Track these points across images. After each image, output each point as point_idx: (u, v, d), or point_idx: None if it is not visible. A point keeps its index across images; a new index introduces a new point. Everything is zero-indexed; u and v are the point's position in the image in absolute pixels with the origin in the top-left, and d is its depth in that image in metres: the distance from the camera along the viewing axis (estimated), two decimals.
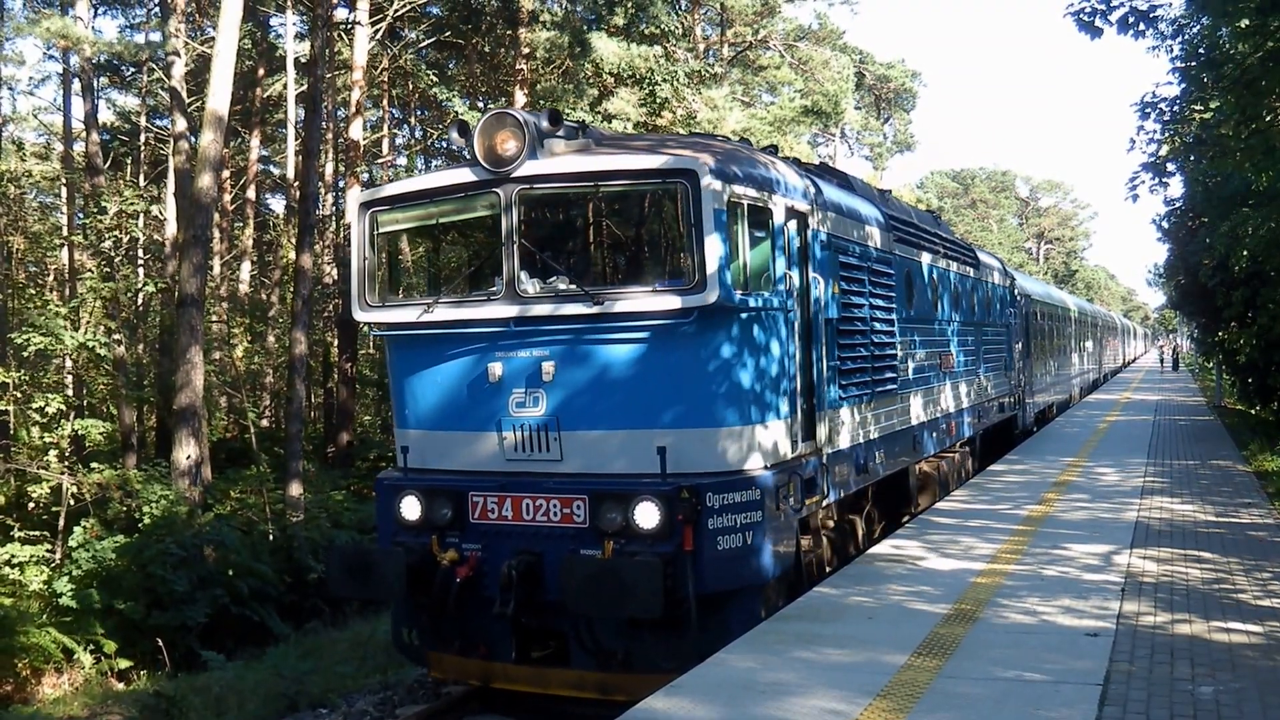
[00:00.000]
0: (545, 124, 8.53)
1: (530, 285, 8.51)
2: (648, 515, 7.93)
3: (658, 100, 24.92)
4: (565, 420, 8.37)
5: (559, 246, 9.36)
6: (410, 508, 8.83)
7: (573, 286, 8.40)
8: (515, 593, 8.11)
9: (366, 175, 29.73)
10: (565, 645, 8.55)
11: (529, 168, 8.42)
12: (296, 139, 32.18)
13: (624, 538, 8.01)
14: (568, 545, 8.21)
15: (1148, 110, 16.02)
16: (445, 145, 33.13)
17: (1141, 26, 13.49)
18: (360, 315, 9.41)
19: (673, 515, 7.88)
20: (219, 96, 19.19)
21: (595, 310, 8.21)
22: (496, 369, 8.53)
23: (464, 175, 8.74)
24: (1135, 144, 16.49)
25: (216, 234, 31.40)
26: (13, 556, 17.25)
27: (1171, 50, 17.26)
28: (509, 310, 8.48)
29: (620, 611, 7.78)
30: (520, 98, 27.34)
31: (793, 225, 9.32)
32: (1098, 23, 13.41)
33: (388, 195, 9.39)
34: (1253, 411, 32.30)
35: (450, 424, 8.90)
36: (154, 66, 26.28)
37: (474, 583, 8.44)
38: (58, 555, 18.19)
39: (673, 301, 8.09)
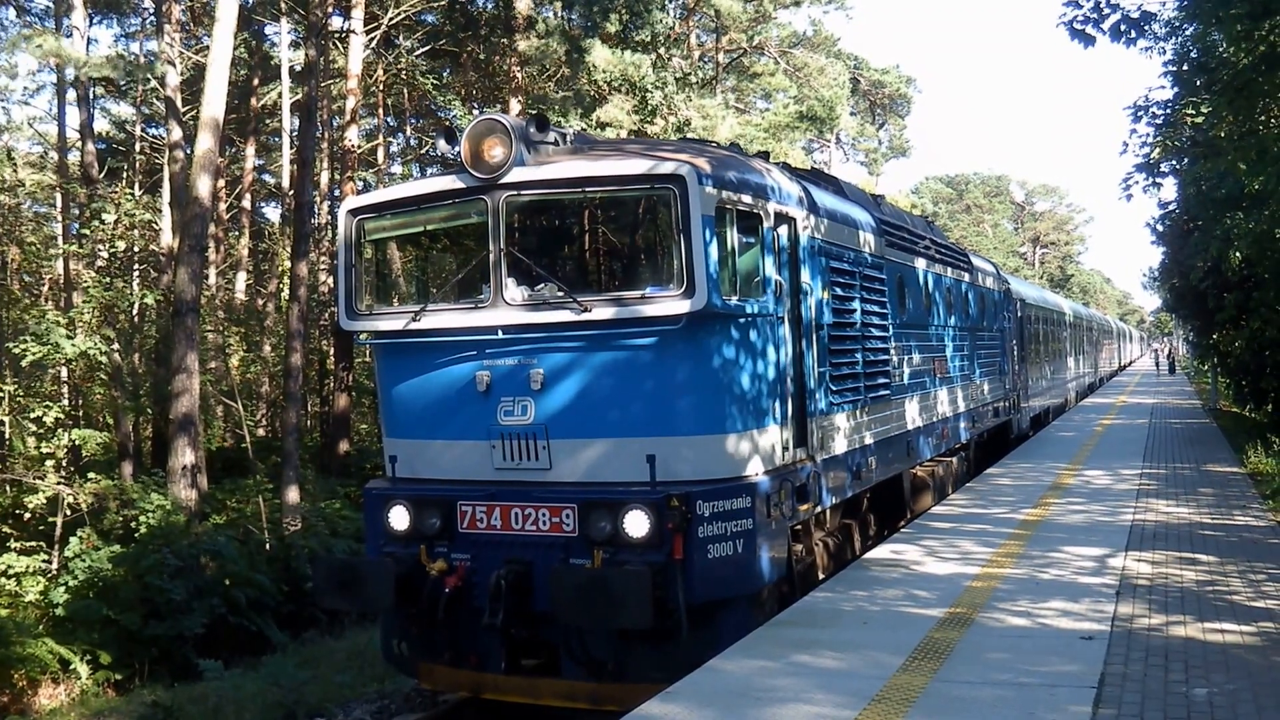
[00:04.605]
0: (533, 129, 8.50)
1: (518, 292, 8.45)
2: (637, 524, 7.85)
3: (649, 107, 24.93)
4: (554, 428, 8.31)
5: (547, 253, 9.30)
6: (399, 518, 8.77)
7: (561, 293, 8.34)
8: (504, 603, 8.05)
9: (362, 183, 29.73)
10: (556, 655, 8.47)
11: (516, 174, 8.36)
12: (292, 147, 32.24)
13: (613, 547, 7.93)
14: (557, 555, 8.15)
15: (1140, 114, 16.09)
16: (440, 153, 33.13)
17: (1133, 34, 13.54)
18: (348, 324, 9.37)
19: (662, 524, 7.80)
20: (214, 103, 19.24)
21: (584, 317, 8.16)
22: (484, 377, 8.47)
23: (451, 182, 8.69)
24: (1128, 147, 16.56)
25: (212, 244, 31.43)
26: (9, 567, 17.25)
27: (1164, 52, 17.35)
28: (497, 318, 8.42)
29: (609, 622, 7.70)
30: (515, 106, 27.37)
31: (783, 230, 9.30)
32: (1090, 31, 13.46)
33: (375, 202, 9.34)
34: (1247, 414, 32.32)
35: (439, 433, 8.84)
36: (149, 76, 26.29)
37: (463, 593, 8.37)
38: (54, 565, 18.18)
39: (662, 307, 8.01)
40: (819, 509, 9.85)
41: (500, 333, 8.44)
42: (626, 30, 26.59)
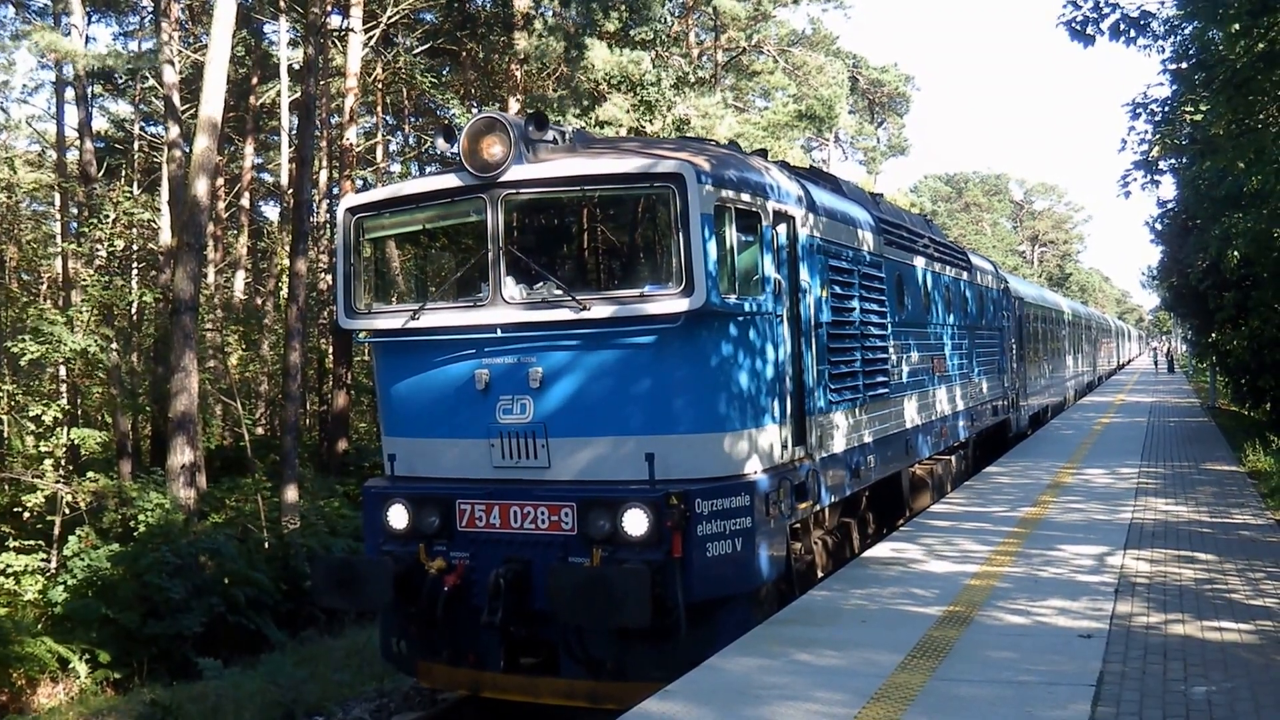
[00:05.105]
0: (532, 128, 8.48)
1: (517, 291, 8.44)
2: (636, 522, 7.85)
3: (645, 103, 24.90)
4: (553, 427, 8.31)
5: (546, 251, 9.29)
6: (398, 516, 8.77)
7: (559, 292, 8.33)
8: (503, 601, 8.05)
9: (361, 182, 29.71)
10: (555, 654, 8.47)
11: (515, 172, 8.35)
12: (290, 146, 32.21)
13: (612, 545, 7.92)
14: (556, 553, 8.14)
15: (1138, 111, 16.08)
16: (439, 151, 33.09)
17: (1133, 33, 13.55)
18: (347, 322, 9.36)
19: (661, 522, 7.80)
20: (212, 102, 19.22)
21: (582, 315, 8.15)
22: (484, 375, 8.47)
23: (450, 181, 8.67)
24: (1126, 144, 16.55)
25: (211, 242, 31.42)
26: (8, 566, 17.26)
27: (1163, 50, 17.34)
28: (495, 316, 8.41)
29: (608, 621, 7.69)
30: (514, 104, 27.35)
31: (782, 229, 9.29)
32: (1090, 31, 13.47)
33: (374, 200, 9.33)
34: (1245, 412, 32.32)
35: (438, 431, 8.84)
36: (147, 75, 26.33)
37: (462, 591, 8.37)
38: (53, 564, 18.18)
39: (660, 306, 8.01)
40: (818, 507, 9.85)
41: (499, 331, 8.43)
42: (626, 28, 26.57)
